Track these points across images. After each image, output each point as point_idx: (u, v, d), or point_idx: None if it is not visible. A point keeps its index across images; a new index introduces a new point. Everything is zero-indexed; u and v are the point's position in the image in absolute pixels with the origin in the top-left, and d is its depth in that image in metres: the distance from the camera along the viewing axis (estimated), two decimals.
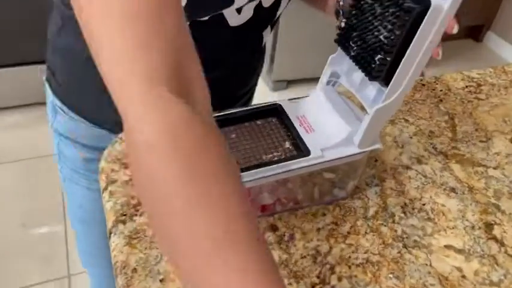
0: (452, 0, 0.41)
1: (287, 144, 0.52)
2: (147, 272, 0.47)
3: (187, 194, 0.29)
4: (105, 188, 0.55)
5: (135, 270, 0.47)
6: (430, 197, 0.57)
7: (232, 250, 0.29)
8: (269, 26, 0.64)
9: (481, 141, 0.66)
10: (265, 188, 0.50)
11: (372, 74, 0.46)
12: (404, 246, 0.52)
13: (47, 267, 1.42)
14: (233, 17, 0.55)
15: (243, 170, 0.47)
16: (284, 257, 0.49)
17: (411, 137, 0.66)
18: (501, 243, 0.53)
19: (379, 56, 0.45)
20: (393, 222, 0.54)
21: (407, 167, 0.61)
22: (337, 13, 0.63)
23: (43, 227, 1.53)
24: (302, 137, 0.51)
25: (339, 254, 0.50)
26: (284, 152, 0.51)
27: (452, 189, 0.59)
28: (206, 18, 0.53)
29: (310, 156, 0.49)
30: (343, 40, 0.50)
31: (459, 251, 0.51)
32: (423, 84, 0.77)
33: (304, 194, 0.54)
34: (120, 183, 0.56)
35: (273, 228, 0.52)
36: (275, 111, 0.55)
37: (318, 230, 0.53)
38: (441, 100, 0.73)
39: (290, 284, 0.47)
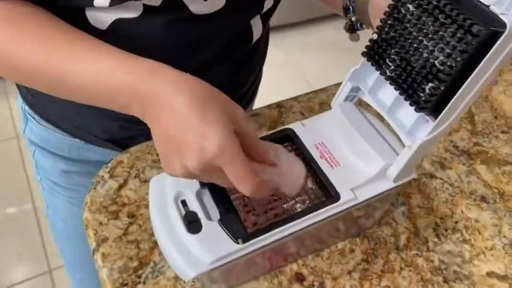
0: None
1: (309, 184, 0.44)
2: None
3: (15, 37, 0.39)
4: (96, 250, 0.47)
5: None
6: (462, 211, 0.52)
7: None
8: (258, 16, 0.53)
9: (503, 132, 0.60)
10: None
11: (419, 104, 0.38)
12: (445, 280, 0.47)
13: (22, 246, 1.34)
14: (195, 2, 0.44)
15: (264, 230, 0.39)
16: None
17: None
18: None
19: (430, 84, 0.37)
20: (428, 250, 0.49)
21: (432, 176, 0.55)
22: (346, 10, 0.53)
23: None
24: (326, 174, 0.43)
25: None
26: (309, 196, 0.43)
27: (483, 198, 0.53)
28: (158, 2, 0.43)
29: (340, 201, 0.41)
30: (375, 55, 0.41)
31: (502, 278, 0.47)
32: None
33: (328, 234, 0.47)
34: (113, 241, 0.47)
35: (299, 277, 0.46)
36: (287, 138, 0.46)
37: (349, 272, 0.46)
38: None
39: None
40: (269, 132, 0.47)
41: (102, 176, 0.52)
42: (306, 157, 0.44)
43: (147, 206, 0.50)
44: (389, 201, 0.48)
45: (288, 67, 1.97)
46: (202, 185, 0.42)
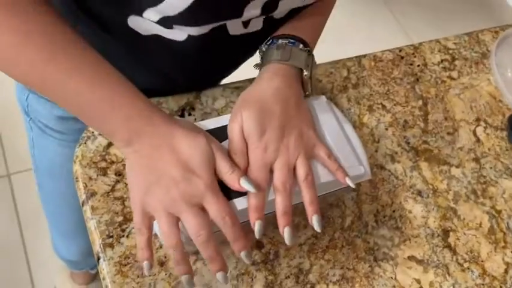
0: None
1: None
2: None
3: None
4: (85, 202, 0.53)
5: None
6: (400, 202, 0.62)
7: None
8: None
9: (449, 133, 0.69)
10: None
11: None
12: (375, 259, 0.57)
13: None
14: (236, 28, 0.48)
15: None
16: (270, 279, 0.53)
17: (387, 129, 0.67)
18: (454, 252, 0.60)
19: None
20: (366, 233, 0.59)
21: (382, 167, 0.64)
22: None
23: None
24: None
25: (319, 271, 0.55)
26: None
27: (419, 193, 0.63)
28: (206, 30, 0.46)
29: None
30: None
31: (419, 262, 0.58)
32: (402, 57, 0.75)
33: None
34: (101, 196, 0.53)
35: (259, 245, 0.55)
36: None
37: (300, 245, 0.56)
38: (417, 79, 0.73)
39: None
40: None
41: (92, 132, 0.57)
42: None
43: None
44: (346, 191, 0.57)
45: None
46: None
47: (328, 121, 0.53)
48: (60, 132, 0.66)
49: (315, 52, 0.55)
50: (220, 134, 0.48)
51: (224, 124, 0.49)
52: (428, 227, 0.61)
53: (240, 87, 0.65)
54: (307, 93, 0.53)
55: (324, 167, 0.50)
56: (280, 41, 0.50)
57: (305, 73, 0.51)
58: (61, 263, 1.07)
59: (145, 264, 0.42)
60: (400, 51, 0.76)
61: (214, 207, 0.41)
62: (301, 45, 0.51)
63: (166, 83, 0.58)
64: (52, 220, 0.85)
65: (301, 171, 0.46)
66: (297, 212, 0.56)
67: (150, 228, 0.42)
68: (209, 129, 0.48)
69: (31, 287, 1.25)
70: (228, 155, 0.44)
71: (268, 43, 0.51)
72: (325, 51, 0.77)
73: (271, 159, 0.45)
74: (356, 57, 0.73)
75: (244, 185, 0.42)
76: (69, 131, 0.65)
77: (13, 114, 1.38)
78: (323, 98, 0.56)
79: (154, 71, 0.57)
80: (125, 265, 0.50)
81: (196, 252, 0.52)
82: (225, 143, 0.47)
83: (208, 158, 0.42)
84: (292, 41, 0.51)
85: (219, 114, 0.61)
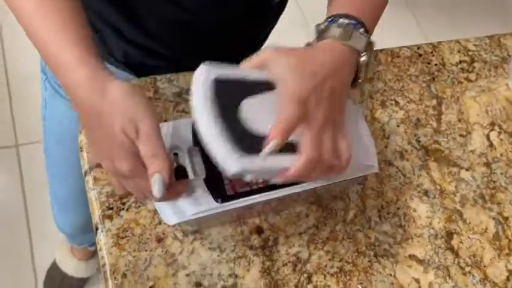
0: None
1: None
2: (137, 278, 0.48)
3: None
4: (88, 172, 0.52)
5: (124, 275, 0.48)
6: (405, 200, 0.61)
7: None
8: None
9: (461, 136, 0.68)
10: None
11: None
12: (375, 255, 0.56)
13: None
14: None
15: (240, 195, 0.46)
16: (267, 265, 0.52)
17: (398, 125, 0.66)
18: (456, 254, 0.59)
19: None
20: (369, 227, 0.58)
21: (390, 163, 0.63)
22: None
23: None
24: None
25: (317, 261, 0.54)
26: None
27: (426, 192, 0.62)
28: None
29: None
30: None
31: (420, 262, 0.57)
32: (420, 55, 0.74)
33: (291, 200, 0.55)
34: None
35: (258, 230, 0.54)
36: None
37: (300, 234, 0.55)
38: (433, 78, 0.72)
39: None
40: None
41: None
42: None
43: None
44: (351, 183, 0.56)
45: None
46: (195, 143, 0.47)
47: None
48: None
49: None
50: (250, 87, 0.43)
51: (245, 76, 0.43)
52: (432, 228, 0.60)
53: None
54: (359, 81, 0.50)
55: None
56: (341, 20, 0.47)
57: (363, 57, 0.48)
58: (62, 237, 1.08)
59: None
60: (418, 48, 0.74)
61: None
62: (361, 29, 0.47)
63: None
64: (52, 185, 0.85)
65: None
66: (298, 200, 0.56)
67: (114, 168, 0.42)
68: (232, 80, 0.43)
69: (31, 259, 1.26)
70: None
71: (329, 20, 0.48)
72: None
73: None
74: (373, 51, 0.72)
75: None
76: None
77: (27, 85, 1.40)
78: None
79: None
80: (123, 238, 0.50)
81: (194, 232, 0.52)
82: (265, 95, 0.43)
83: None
84: (354, 22, 0.47)
85: None
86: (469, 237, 0.60)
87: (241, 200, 0.46)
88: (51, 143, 0.77)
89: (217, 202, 0.45)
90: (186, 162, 0.46)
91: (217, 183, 0.46)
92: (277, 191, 0.47)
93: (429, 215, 0.61)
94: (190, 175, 0.45)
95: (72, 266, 1.13)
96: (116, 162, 0.40)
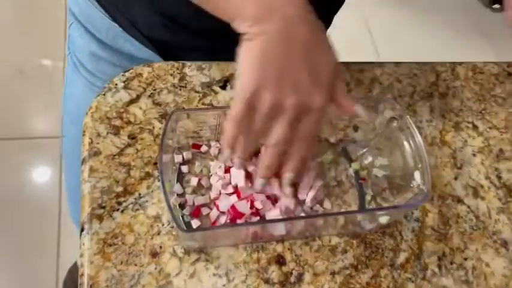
0: None
1: None
2: None
3: None
4: (86, 161, 0.44)
5: None
6: (476, 249, 0.47)
7: None
8: None
9: None
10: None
11: None
12: None
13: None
14: None
15: None
16: None
17: (475, 155, 0.53)
18: None
19: None
20: (423, 278, 0.45)
21: (459, 200, 0.50)
22: None
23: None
24: None
25: None
26: None
27: (505, 244, 0.48)
28: None
29: None
30: None
31: None
32: (510, 74, 0.60)
33: (323, 223, 0.43)
34: (105, 157, 0.44)
35: (280, 260, 0.43)
36: None
37: (333, 273, 0.43)
38: None
39: None
40: None
41: (116, 84, 0.48)
42: None
43: (150, 131, 0.46)
44: (400, 213, 0.44)
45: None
46: None
47: None
48: (91, 73, 0.61)
49: None
50: None
51: None
52: None
53: None
54: None
55: None
56: None
57: None
58: None
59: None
60: (509, 66, 0.61)
61: (307, 127, 0.39)
62: None
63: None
64: (66, 171, 0.80)
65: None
66: (335, 228, 0.44)
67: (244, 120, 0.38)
68: None
69: (56, 255, 1.21)
70: None
71: None
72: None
73: None
74: (450, 63, 0.59)
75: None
76: (100, 73, 0.59)
77: None
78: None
79: None
80: (110, 245, 0.40)
81: (199, 251, 0.42)
82: None
83: (334, 78, 0.39)
84: None
85: None
86: None
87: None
88: (67, 123, 0.71)
89: None
90: None
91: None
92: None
93: (506, 273, 0.46)
94: None
95: None
96: (309, 96, 0.37)
